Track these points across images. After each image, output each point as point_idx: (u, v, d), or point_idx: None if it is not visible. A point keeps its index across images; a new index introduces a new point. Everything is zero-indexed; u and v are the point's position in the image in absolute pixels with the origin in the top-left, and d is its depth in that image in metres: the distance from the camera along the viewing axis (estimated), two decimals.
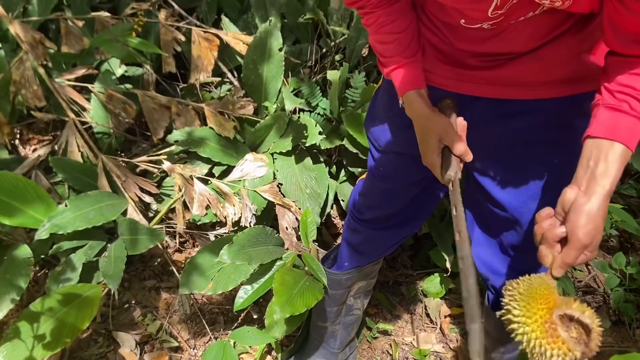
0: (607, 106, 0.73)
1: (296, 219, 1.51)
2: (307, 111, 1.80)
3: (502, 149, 0.94)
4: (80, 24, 1.64)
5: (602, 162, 0.73)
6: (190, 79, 1.78)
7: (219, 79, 1.92)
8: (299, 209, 1.54)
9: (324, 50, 2.13)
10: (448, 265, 1.63)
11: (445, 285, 1.72)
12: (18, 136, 1.80)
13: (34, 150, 1.83)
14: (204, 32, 1.74)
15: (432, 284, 1.73)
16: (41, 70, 1.48)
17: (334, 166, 1.83)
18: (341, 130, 1.76)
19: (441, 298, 1.74)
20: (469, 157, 0.86)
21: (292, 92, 1.85)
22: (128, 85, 1.78)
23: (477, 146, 0.88)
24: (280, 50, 1.72)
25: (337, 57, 2.14)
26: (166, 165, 1.48)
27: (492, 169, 0.97)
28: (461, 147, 0.85)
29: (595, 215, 0.73)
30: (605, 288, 1.72)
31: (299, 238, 1.50)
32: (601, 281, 1.80)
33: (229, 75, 1.94)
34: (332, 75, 1.74)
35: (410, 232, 1.30)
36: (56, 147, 1.58)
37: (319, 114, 1.80)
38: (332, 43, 2.14)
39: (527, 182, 0.94)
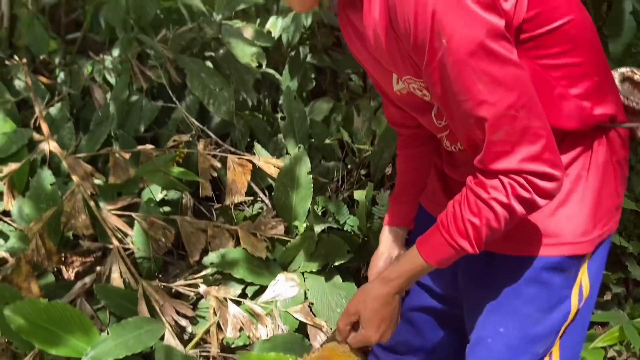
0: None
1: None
2: (335, 229, 1.87)
3: (477, 291, 0.97)
4: (127, 156, 1.80)
5: (401, 259, 0.91)
6: (225, 201, 1.89)
7: (252, 197, 2.04)
8: (330, 329, 1.57)
9: (349, 166, 2.25)
10: None
11: None
12: (63, 259, 1.91)
13: (76, 272, 1.92)
14: (238, 158, 1.88)
15: None
16: (90, 202, 1.61)
17: (363, 282, 1.86)
18: (369, 247, 1.82)
19: None
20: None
21: (320, 210, 1.94)
22: (167, 208, 1.90)
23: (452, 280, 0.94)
24: (308, 174, 1.83)
25: (363, 172, 2.26)
26: (202, 288, 1.54)
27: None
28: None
29: (367, 292, 0.93)
30: None
31: None
32: None
33: (261, 194, 2.05)
34: (359, 194, 1.84)
35: None
36: (98, 269, 1.68)
37: (347, 231, 1.87)
38: (357, 159, 2.27)
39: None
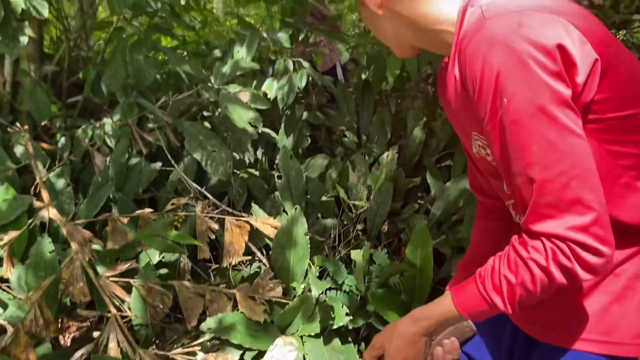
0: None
1: None
2: (333, 289, 1.88)
3: None
4: (125, 220, 1.82)
5: (435, 302, 0.91)
6: (223, 263, 1.89)
7: (250, 257, 2.05)
8: None
9: (346, 223, 2.27)
10: None
11: None
12: (60, 326, 1.89)
13: (73, 337, 1.91)
14: (236, 219, 1.90)
15: None
16: (88, 269, 1.61)
17: (363, 343, 1.85)
18: (368, 307, 1.82)
19: None
20: None
21: (318, 269, 1.95)
22: (164, 270, 1.90)
23: None
24: (305, 234, 1.85)
25: (360, 227, 2.28)
26: (200, 356, 1.53)
27: None
28: None
29: (395, 328, 0.93)
30: None
31: None
32: None
33: (259, 254, 2.06)
34: (356, 254, 1.85)
35: None
36: (95, 335, 1.66)
37: (345, 291, 1.87)
38: (354, 215, 2.29)
39: None
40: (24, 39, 1.75)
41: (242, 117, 1.81)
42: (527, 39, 0.73)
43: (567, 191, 0.73)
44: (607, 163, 0.82)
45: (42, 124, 2.15)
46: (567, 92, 0.74)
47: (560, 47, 0.73)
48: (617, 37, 2.68)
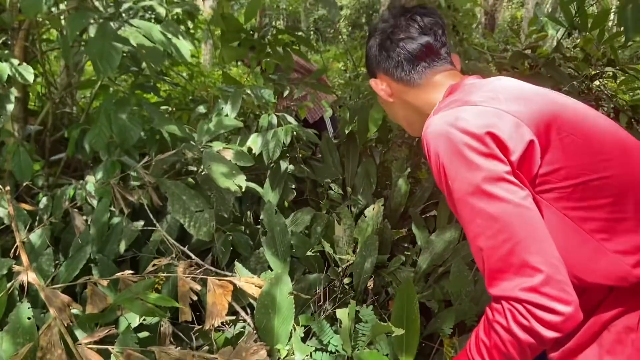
0: None
1: None
2: (319, 349, 1.83)
3: None
4: (105, 283, 1.78)
5: None
6: (205, 325, 1.85)
7: (233, 317, 2.00)
8: None
9: (332, 278, 2.24)
10: None
11: None
12: None
13: None
14: (219, 279, 1.87)
15: None
16: (66, 336, 1.57)
17: None
18: None
19: None
20: None
21: (303, 329, 1.91)
22: (145, 334, 1.86)
23: None
24: (290, 294, 1.82)
25: (346, 281, 2.25)
26: None
27: None
28: None
29: None
30: None
31: None
32: None
33: (242, 313, 2.02)
34: (341, 313, 1.82)
35: None
36: None
37: (330, 351, 1.83)
38: (340, 270, 2.27)
39: None
40: (10, 106, 1.76)
41: (226, 178, 1.81)
42: (461, 129, 0.88)
43: (513, 256, 0.81)
44: (571, 229, 0.88)
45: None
46: (502, 168, 0.85)
47: (490, 133, 0.86)
48: (592, 88, 2.76)
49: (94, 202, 2.06)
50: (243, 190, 1.80)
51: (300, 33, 2.89)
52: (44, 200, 2.08)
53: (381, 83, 1.20)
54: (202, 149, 1.99)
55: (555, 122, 0.90)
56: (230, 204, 2.03)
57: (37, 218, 2.02)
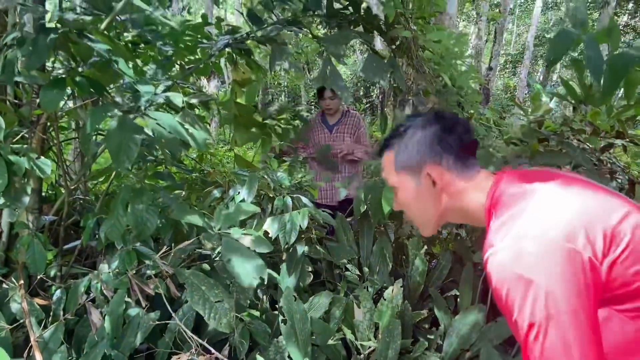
0: None
1: None
2: None
3: None
4: None
5: None
6: None
7: None
8: None
9: None
10: None
11: None
12: None
13: None
14: None
15: None
16: None
17: None
18: None
19: None
20: None
21: None
22: None
23: None
24: None
25: None
26: None
27: None
28: None
29: None
30: None
31: None
32: None
33: None
34: None
35: None
36: None
37: None
38: (362, 356, 2.17)
39: None
40: (26, 199, 1.75)
41: (247, 272, 1.77)
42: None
43: None
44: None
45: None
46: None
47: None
48: (603, 160, 2.77)
49: (109, 294, 2.01)
50: (265, 281, 1.76)
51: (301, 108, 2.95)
52: (57, 293, 2.03)
53: (430, 174, 1.19)
54: (220, 236, 1.96)
55: None
56: (250, 292, 1.98)
57: (52, 313, 1.96)
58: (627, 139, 2.69)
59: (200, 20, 3.01)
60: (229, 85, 3.22)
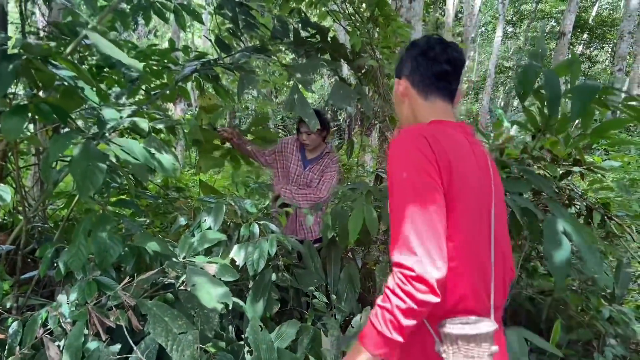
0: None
1: None
2: None
3: None
4: None
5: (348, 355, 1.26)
6: None
7: None
8: None
9: None
10: None
11: None
12: None
13: None
14: None
15: None
16: None
17: None
18: None
19: None
20: None
21: None
22: None
23: None
24: None
25: None
26: None
27: None
28: None
29: None
30: None
31: None
32: None
33: None
34: None
35: None
36: None
37: None
38: None
39: None
40: None
41: (211, 296, 1.74)
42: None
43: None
44: None
45: None
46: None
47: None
48: (562, 187, 2.87)
49: (68, 327, 1.93)
50: (230, 307, 1.73)
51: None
52: (14, 326, 1.94)
53: (402, 84, 1.52)
54: (184, 264, 1.92)
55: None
56: (215, 322, 1.94)
57: (7, 347, 1.87)
58: (585, 167, 2.80)
59: (167, 44, 3.00)
60: (196, 109, 3.20)
